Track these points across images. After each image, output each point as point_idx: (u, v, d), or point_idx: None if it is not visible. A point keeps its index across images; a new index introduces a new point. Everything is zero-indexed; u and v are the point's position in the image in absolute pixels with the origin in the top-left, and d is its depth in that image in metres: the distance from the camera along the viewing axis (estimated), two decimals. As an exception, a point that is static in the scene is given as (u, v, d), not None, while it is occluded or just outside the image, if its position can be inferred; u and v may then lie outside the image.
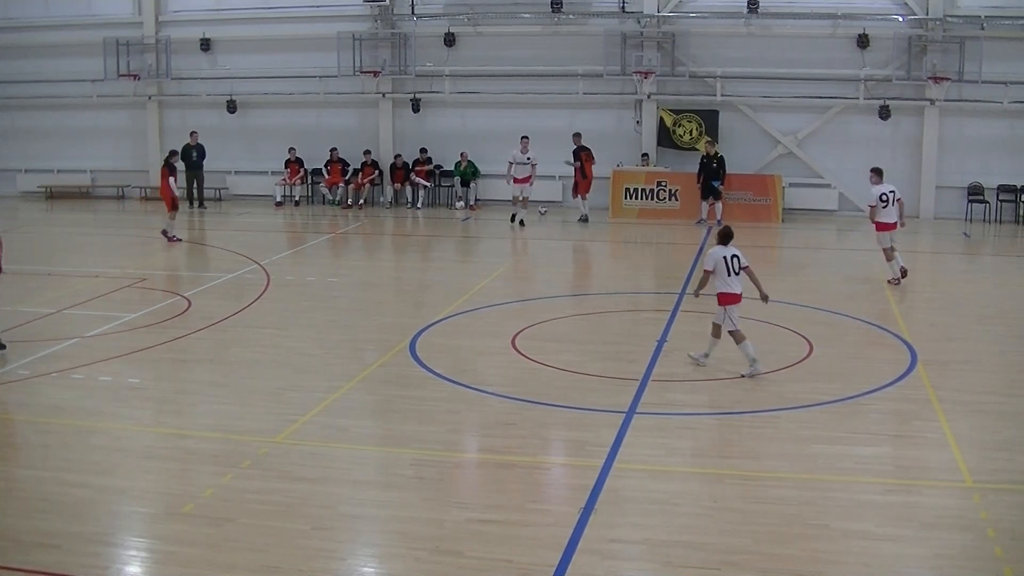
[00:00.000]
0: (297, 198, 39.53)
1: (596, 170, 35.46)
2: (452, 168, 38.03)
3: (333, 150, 38.65)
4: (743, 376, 17.11)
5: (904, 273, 24.07)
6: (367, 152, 38.43)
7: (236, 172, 40.57)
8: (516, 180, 33.49)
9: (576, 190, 34.90)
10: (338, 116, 39.74)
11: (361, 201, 38.23)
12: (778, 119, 36.01)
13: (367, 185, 38.45)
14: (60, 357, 18.80)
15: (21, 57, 42.32)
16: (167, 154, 33.24)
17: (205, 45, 40.28)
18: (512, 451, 14.00)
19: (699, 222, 33.73)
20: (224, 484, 12.94)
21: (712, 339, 17.66)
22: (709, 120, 35.77)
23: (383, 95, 38.96)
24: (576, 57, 36.73)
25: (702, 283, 17.94)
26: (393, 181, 38.47)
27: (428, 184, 38.29)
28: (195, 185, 38.62)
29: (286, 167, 39.32)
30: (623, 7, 36.13)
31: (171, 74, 40.73)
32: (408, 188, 38.49)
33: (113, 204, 40.33)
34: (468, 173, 37.53)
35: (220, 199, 39.91)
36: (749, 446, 14.17)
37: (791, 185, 35.25)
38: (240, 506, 12.28)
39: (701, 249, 29.15)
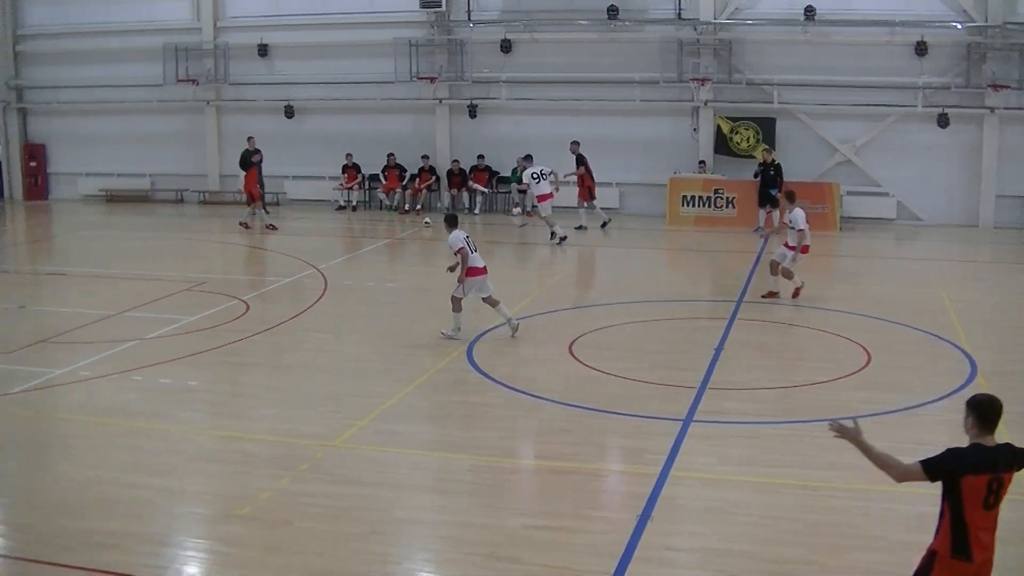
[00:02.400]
0: (354, 203, 39.67)
1: (653, 176, 35.54)
2: (509, 174, 38.05)
3: (390, 155, 38.75)
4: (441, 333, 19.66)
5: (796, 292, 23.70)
6: (424, 157, 38.53)
7: (294, 177, 40.75)
8: (543, 197, 32.86)
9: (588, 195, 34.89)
10: (395, 122, 39.85)
11: (418, 206, 38.33)
12: (835, 127, 35.81)
13: (424, 191, 38.54)
14: (120, 359, 19.01)
15: (82, 62, 42.76)
16: (249, 153, 35.62)
17: (263, 51, 40.51)
18: (568, 458, 14.04)
19: (756, 230, 33.64)
20: (281, 487, 13.05)
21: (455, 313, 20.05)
22: (766, 128, 35.61)
23: (440, 101, 39.05)
24: (632, 64, 36.67)
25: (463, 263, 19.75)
26: (450, 187, 38.54)
27: (485, 190, 38.35)
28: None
29: (343, 172, 39.47)
30: (679, 14, 36.03)
31: (229, 79, 41.01)
32: (465, 194, 38.56)
33: (172, 208, 40.63)
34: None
35: (278, 204, 40.11)
36: (805, 455, 14.09)
37: (849, 193, 35.02)
38: (296, 509, 12.38)
39: (758, 258, 29.06)
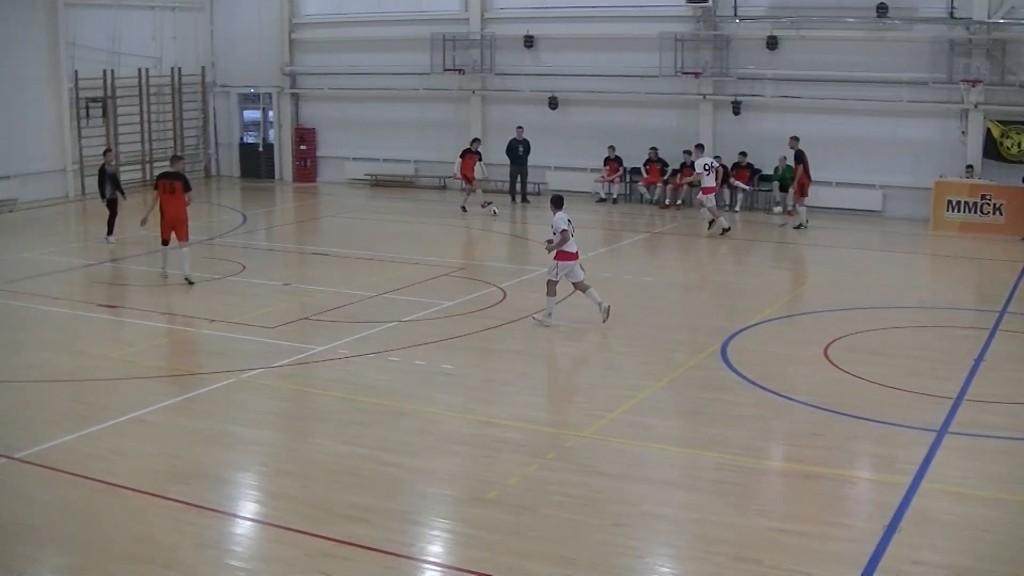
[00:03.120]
0: (615, 196, 39.75)
1: (918, 180, 34.81)
2: (771, 172, 37.64)
3: (652, 149, 38.69)
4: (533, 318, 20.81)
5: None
6: (687, 153, 38.32)
7: (555, 168, 41.04)
8: (708, 189, 32.66)
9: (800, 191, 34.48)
10: (658, 116, 39.75)
11: (679, 201, 38.18)
12: (1115, 134, 34.45)
13: (685, 186, 38.39)
14: (378, 339, 19.52)
15: (353, 51, 43.91)
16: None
17: (529, 42, 40.87)
18: (817, 462, 13.86)
19: (1024, 239, 32.61)
20: (528, 474, 13.21)
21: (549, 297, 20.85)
22: (1041, 133, 34.48)
23: (703, 97, 38.82)
24: (901, 64, 35.82)
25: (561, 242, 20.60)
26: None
27: (747, 188, 37.99)
28: (519, 179, 39.22)
29: (604, 164, 39.59)
30: (952, 13, 35.02)
31: (495, 70, 41.49)
32: (726, 191, 38.27)
33: (434, 194, 41.33)
34: (787, 178, 37.06)
35: (539, 194, 40.44)
36: (1069, 475, 13.65)
37: None
38: (542, 496, 12.52)
39: (1025, 268, 28.22)
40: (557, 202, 21.31)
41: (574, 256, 20.92)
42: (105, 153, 31.14)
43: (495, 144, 39.96)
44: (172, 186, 24.61)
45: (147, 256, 26.91)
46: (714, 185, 32.86)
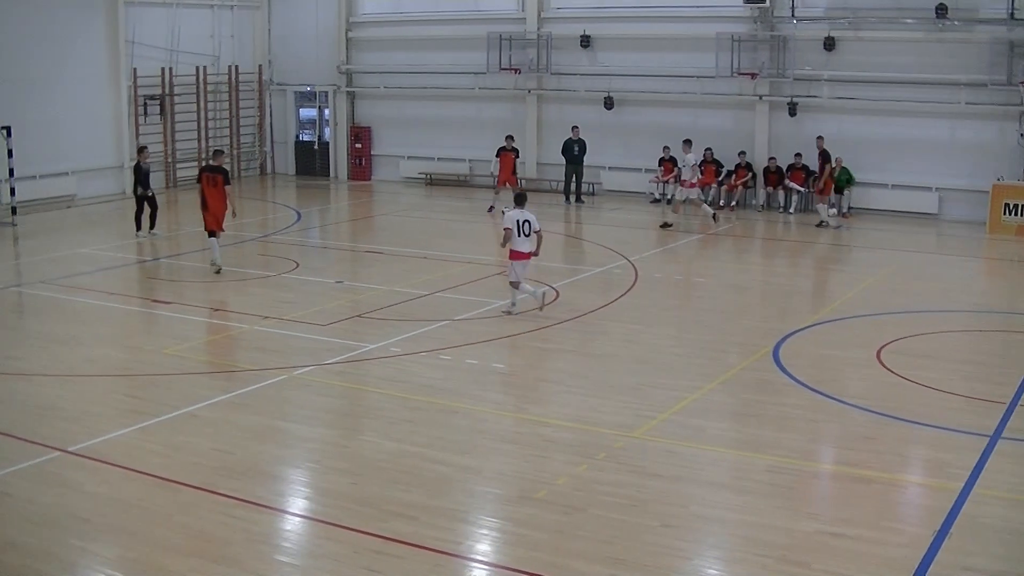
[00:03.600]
0: (669, 197, 39.65)
1: (976, 182, 34.65)
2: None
3: (708, 150, 38.58)
4: (503, 313, 21.46)
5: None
6: (741, 154, 38.23)
7: (610, 168, 41.01)
8: (690, 184, 33.70)
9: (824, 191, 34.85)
10: (713, 117, 39.64)
11: (733, 203, 38.07)
12: None
13: (740, 187, 38.26)
14: (430, 338, 19.58)
15: (411, 49, 44.08)
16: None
17: (585, 42, 40.85)
18: (869, 466, 13.79)
19: (1082, 243, 32.27)
20: (578, 474, 13.22)
21: (512, 291, 21.54)
22: (1100, 136, 34.12)
23: (760, 97, 38.68)
24: (959, 65, 35.54)
25: (505, 239, 21.30)
26: (766, 184, 38.16)
27: (802, 189, 37.80)
28: (573, 179, 39.20)
29: (659, 165, 39.53)
30: (1012, 14, 34.71)
31: (551, 69, 41.50)
32: (781, 192, 38.12)
33: (489, 193, 41.31)
34: (843, 180, 36.86)
35: (593, 193, 40.43)
36: (1124, 483, 13.52)
37: None
38: (591, 496, 12.53)
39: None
40: (518, 199, 22.03)
41: (525, 255, 21.42)
42: (141, 151, 31.40)
43: (550, 144, 39.98)
44: (215, 179, 25.77)
45: (200, 253, 27.04)
46: (696, 181, 33.87)
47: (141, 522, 11.78)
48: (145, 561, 10.94)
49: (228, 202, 25.84)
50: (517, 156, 37.75)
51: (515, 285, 21.53)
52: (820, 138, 35.55)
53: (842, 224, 35.15)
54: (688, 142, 34.80)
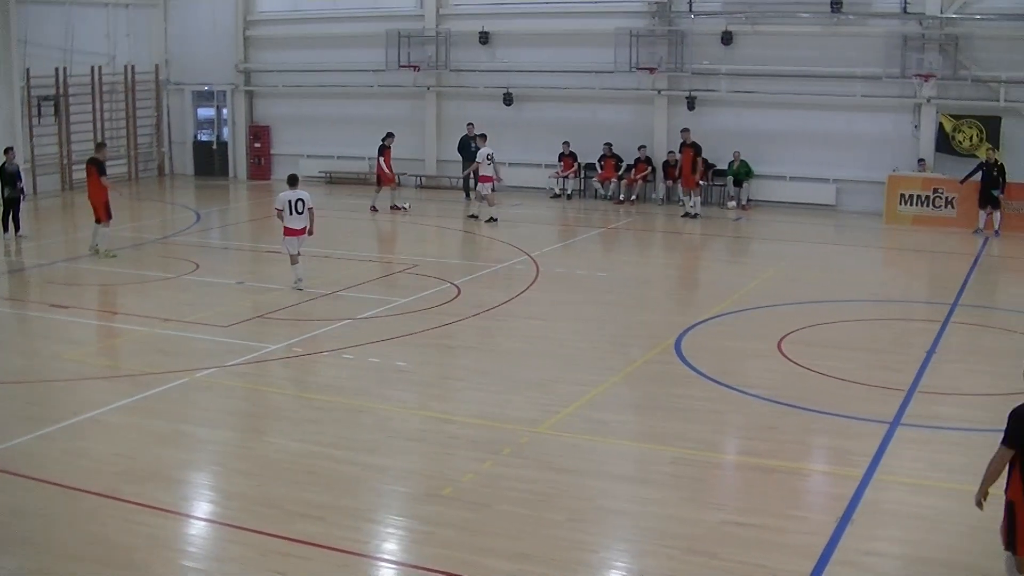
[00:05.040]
0: (569, 192, 39.79)
1: (872, 174, 35.18)
2: (725, 167, 37.76)
3: (607, 145, 38.76)
4: (293, 288, 22.93)
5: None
6: (641, 148, 38.44)
7: (510, 164, 41.04)
8: (487, 178, 34.10)
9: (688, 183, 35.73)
10: (613, 112, 39.83)
11: (633, 197, 38.26)
12: (1066, 127, 34.68)
13: (640, 181, 38.46)
14: (333, 337, 19.49)
15: (310, 47, 43.85)
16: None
17: (484, 38, 40.89)
18: (772, 455, 13.92)
19: (976, 231, 32.77)
20: (484, 470, 13.22)
21: (292, 266, 23.20)
22: (991, 126, 34.59)
23: (658, 92, 38.89)
24: (855, 59, 35.98)
25: (280, 216, 23.16)
26: (666, 178, 38.39)
27: (702, 182, 38.07)
28: (471, 176, 39.16)
29: (559, 160, 39.65)
30: (905, 8, 35.22)
31: (450, 66, 41.52)
32: (680, 186, 38.35)
33: (388, 191, 41.33)
34: (741, 173, 37.23)
35: (494, 190, 40.44)
36: (1020, 466, 13.74)
37: (1076, 197, 33.89)
38: (498, 493, 12.52)
39: (977, 259, 28.39)
40: (291, 180, 23.80)
41: (299, 232, 23.10)
42: (7, 151, 30.80)
43: (450, 141, 40.00)
44: (89, 170, 27.38)
45: (95, 257, 26.73)
46: (492, 175, 34.12)
47: (43, 531, 11.58)
48: (48, 571, 10.75)
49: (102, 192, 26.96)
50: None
51: (293, 260, 23.09)
52: (686, 130, 36.17)
53: (742, 216, 35.47)
54: (483, 136, 35.40)
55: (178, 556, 11.15)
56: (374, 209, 35.99)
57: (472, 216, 34.16)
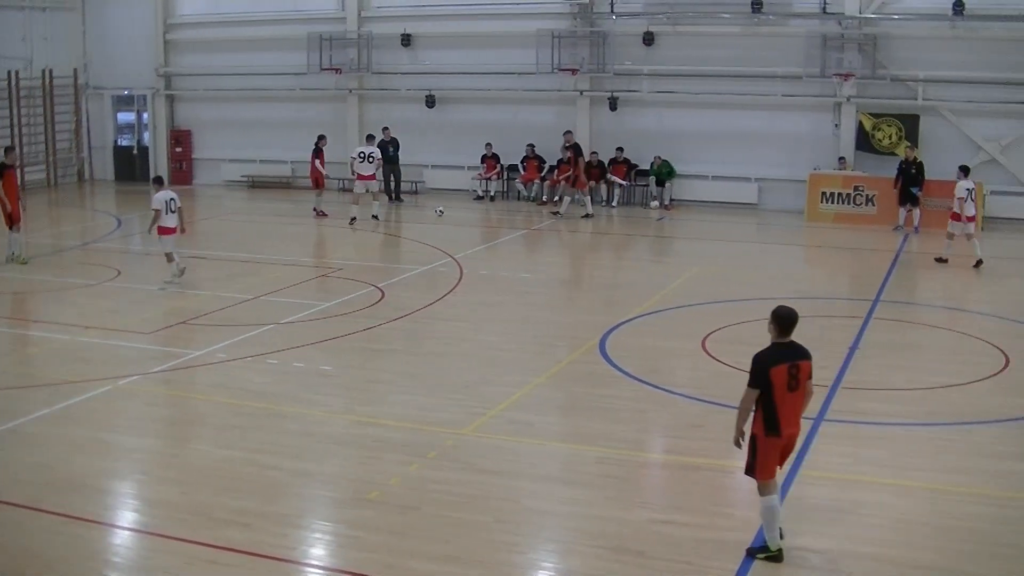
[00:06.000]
0: (492, 193, 39.83)
1: (793, 172, 35.56)
2: (648, 167, 37.93)
3: (530, 146, 38.84)
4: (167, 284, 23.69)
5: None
6: (564, 149, 38.50)
7: (433, 166, 41.05)
8: (364, 177, 34.24)
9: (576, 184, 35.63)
10: (535, 113, 39.93)
11: (556, 198, 38.35)
12: (981, 125, 35.06)
13: (563, 182, 38.51)
14: (256, 342, 19.36)
15: (230, 51, 43.63)
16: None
17: (406, 40, 40.85)
18: (698, 453, 13.99)
19: (896, 228, 33.14)
20: (410, 473, 13.18)
21: (169, 263, 24.06)
22: (909, 124, 35.04)
23: (581, 93, 39.04)
24: (775, 58, 36.31)
25: (153, 221, 23.86)
26: (588, 178, 38.50)
27: (624, 183, 38.25)
28: (391, 179, 39.10)
29: (482, 162, 39.68)
30: (824, 8, 35.61)
31: (372, 68, 41.44)
32: (604, 186, 38.52)
33: (312, 195, 41.12)
34: (663, 173, 37.43)
35: (416, 192, 40.44)
36: (939, 459, 13.88)
37: (993, 193, 34.29)
38: (425, 495, 12.49)
39: (897, 256, 28.71)
40: (158, 181, 25.56)
41: (171, 230, 24.02)
42: None
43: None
44: None
45: (15, 265, 26.41)
46: (372, 174, 34.31)
47: (-37, 543, 11.44)
48: (-32, 583, 10.64)
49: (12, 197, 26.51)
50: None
51: (170, 258, 23.93)
52: (568, 132, 36.50)
53: (664, 216, 35.64)
54: (371, 137, 35.76)
55: (102, 567, 11.02)
56: (319, 213, 35.80)
57: (352, 220, 33.94)
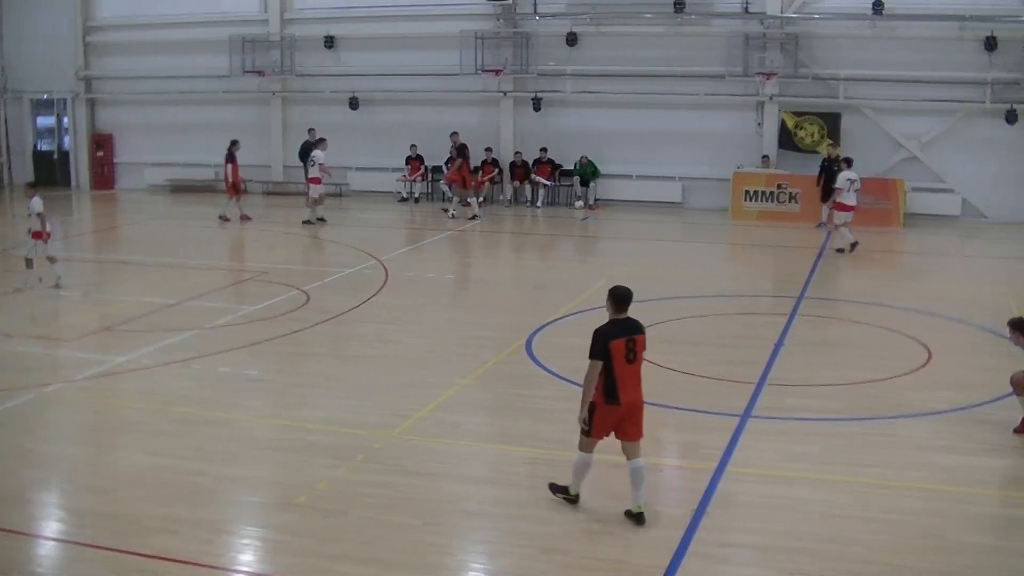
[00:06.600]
0: (417, 195, 39.79)
1: (717, 171, 35.81)
2: (572, 167, 38.04)
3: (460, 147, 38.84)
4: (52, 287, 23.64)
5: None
6: (488, 150, 38.57)
7: (357, 168, 40.92)
8: (315, 180, 34.56)
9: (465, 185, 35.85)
10: (459, 114, 39.88)
11: (481, 199, 38.33)
12: (902, 122, 35.49)
13: (487, 183, 38.56)
14: (181, 347, 19.19)
15: (150, 54, 43.28)
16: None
17: (329, 42, 40.73)
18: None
19: (819, 225, 33.43)
20: (338, 477, 13.13)
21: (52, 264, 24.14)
22: (831, 123, 35.39)
23: (504, 94, 39.09)
24: (698, 58, 36.53)
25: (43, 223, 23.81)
26: (513, 179, 38.58)
27: (548, 183, 38.33)
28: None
29: (407, 164, 39.62)
30: (746, 8, 35.88)
31: (295, 71, 41.30)
32: (528, 187, 38.59)
33: (235, 199, 41.00)
34: (588, 173, 37.54)
35: (341, 195, 40.30)
36: (866, 453, 14.00)
37: (914, 190, 34.71)
38: (353, 499, 12.45)
39: (820, 253, 28.95)
40: (35, 185, 25.09)
41: (47, 235, 24.09)
42: None
43: (296, 146, 39.61)
44: None
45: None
46: (318, 176, 34.46)
47: None
48: None
49: None
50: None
51: (30, 263, 23.87)
52: (455, 134, 36.80)
53: (589, 216, 35.74)
54: (322, 140, 35.66)
55: (27, 577, 10.90)
56: (243, 217, 35.48)
57: (308, 222, 33.89)
